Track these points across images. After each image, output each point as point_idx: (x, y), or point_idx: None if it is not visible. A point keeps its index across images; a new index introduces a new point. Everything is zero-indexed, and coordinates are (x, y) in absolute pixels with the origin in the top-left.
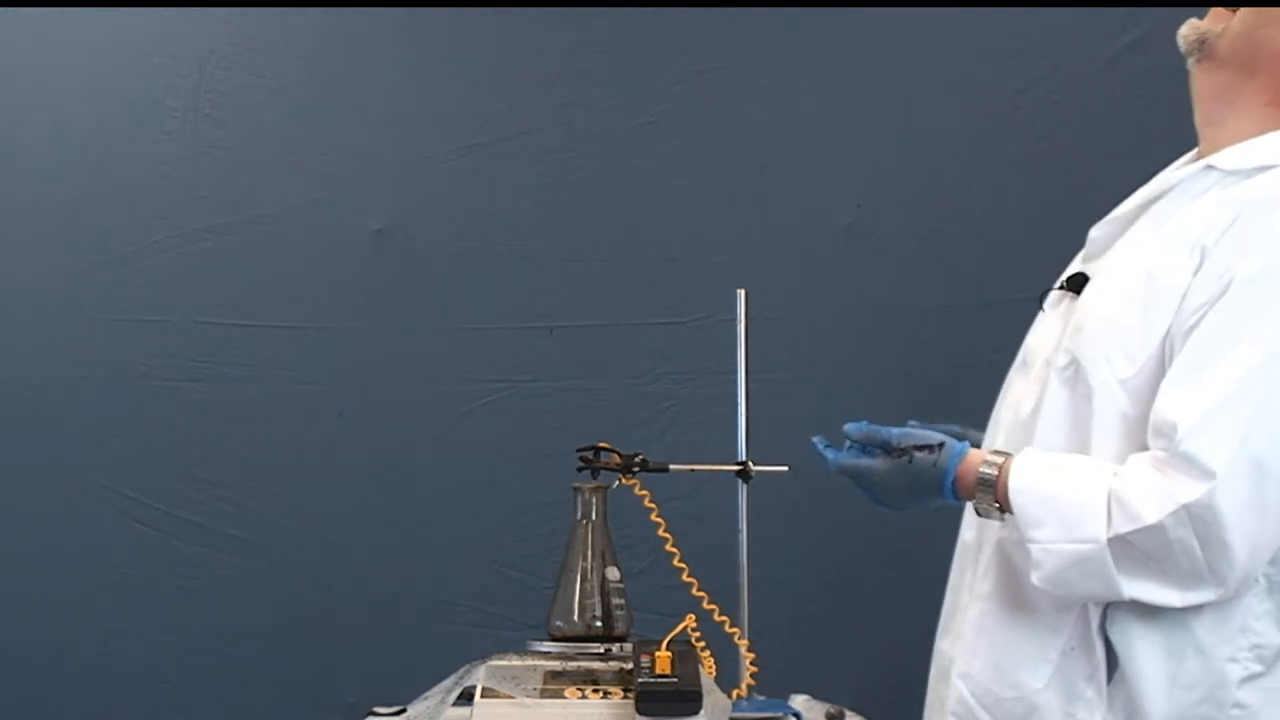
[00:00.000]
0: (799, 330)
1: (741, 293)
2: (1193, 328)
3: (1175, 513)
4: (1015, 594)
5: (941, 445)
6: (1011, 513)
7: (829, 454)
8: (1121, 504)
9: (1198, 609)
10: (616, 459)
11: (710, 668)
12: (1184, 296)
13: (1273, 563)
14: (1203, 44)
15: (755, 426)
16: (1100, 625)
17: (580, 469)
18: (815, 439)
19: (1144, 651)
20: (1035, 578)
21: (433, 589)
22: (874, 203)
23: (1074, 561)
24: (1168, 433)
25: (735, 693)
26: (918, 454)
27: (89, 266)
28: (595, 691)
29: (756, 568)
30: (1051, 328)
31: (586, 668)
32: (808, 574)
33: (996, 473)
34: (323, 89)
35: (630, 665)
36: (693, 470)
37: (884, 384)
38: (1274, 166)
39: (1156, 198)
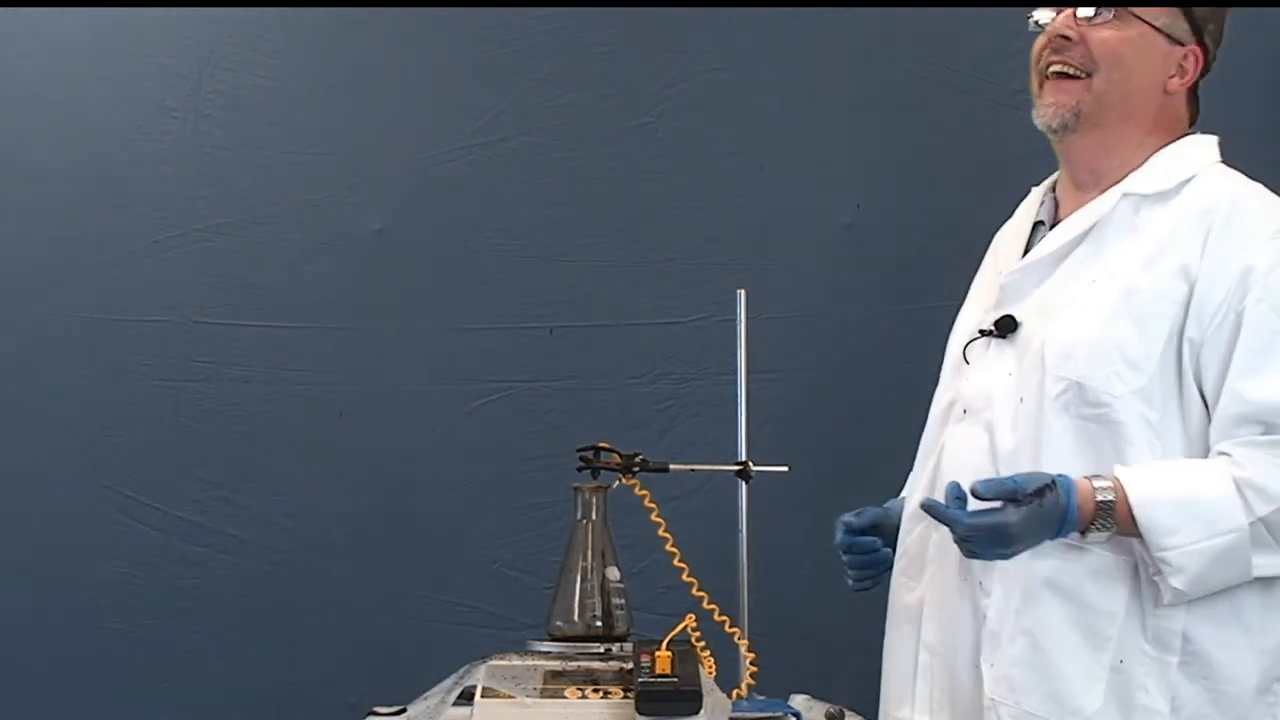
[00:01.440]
0: (799, 330)
1: (741, 293)
2: (1233, 324)
3: None
4: (1058, 623)
5: (1054, 483)
6: (1134, 527)
7: (958, 516)
8: (1255, 489)
9: (1251, 588)
10: (616, 459)
11: (710, 668)
12: (1187, 305)
13: None
14: (1078, 115)
15: (755, 426)
16: (1157, 632)
17: (580, 469)
18: (928, 502)
19: (1224, 638)
20: (1178, 582)
21: (433, 589)
22: (874, 203)
23: (1218, 555)
24: (1269, 415)
25: (735, 692)
26: (1045, 497)
27: (89, 266)
28: (595, 691)
29: (756, 568)
30: (994, 370)
31: (586, 668)
32: (808, 574)
33: (1114, 495)
34: (323, 89)
35: (630, 665)
36: (693, 470)
37: (884, 384)
38: (1196, 175)
39: (1083, 236)
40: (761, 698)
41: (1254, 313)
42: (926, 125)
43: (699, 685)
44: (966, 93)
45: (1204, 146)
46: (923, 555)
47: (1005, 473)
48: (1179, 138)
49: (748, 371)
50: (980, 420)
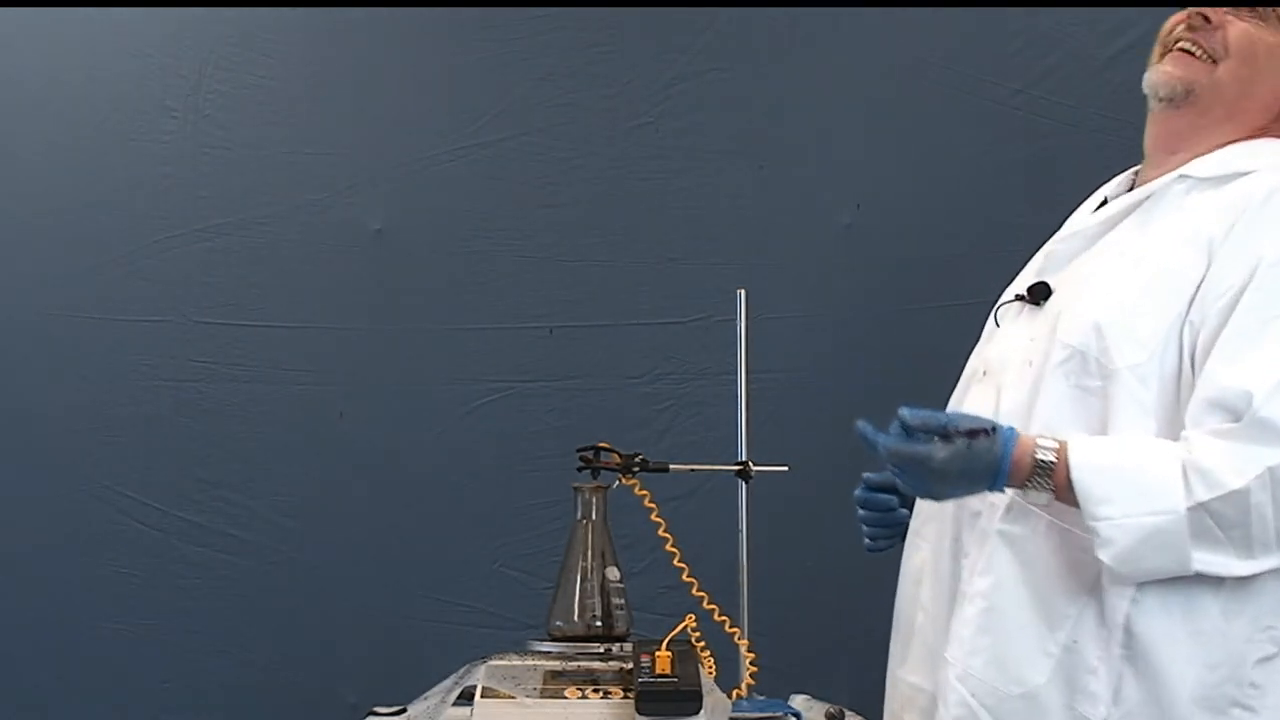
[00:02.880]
0: (799, 330)
1: (741, 293)
2: (1227, 307)
3: (1259, 476)
4: (1015, 589)
5: (995, 429)
6: (1071, 494)
7: (880, 439)
8: (1201, 472)
9: (1217, 592)
10: (616, 459)
11: (710, 668)
12: (1199, 286)
13: None
14: (1189, 94)
15: (755, 426)
16: (1108, 616)
17: (580, 469)
18: (861, 424)
19: (1169, 635)
20: (1105, 556)
21: (433, 589)
22: (874, 203)
23: (1149, 534)
24: (1238, 402)
25: (735, 692)
26: (976, 439)
27: (89, 267)
28: (595, 691)
29: (756, 568)
30: (1017, 335)
31: (586, 667)
32: (808, 574)
33: (1055, 456)
34: (323, 89)
35: (630, 665)
36: (693, 470)
37: (884, 384)
38: (1251, 172)
39: (1131, 210)
40: (761, 698)
41: (1248, 299)
42: (927, 125)
43: (699, 685)
44: (967, 93)
45: (1272, 147)
46: (930, 517)
47: None
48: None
49: (748, 371)
50: (993, 383)
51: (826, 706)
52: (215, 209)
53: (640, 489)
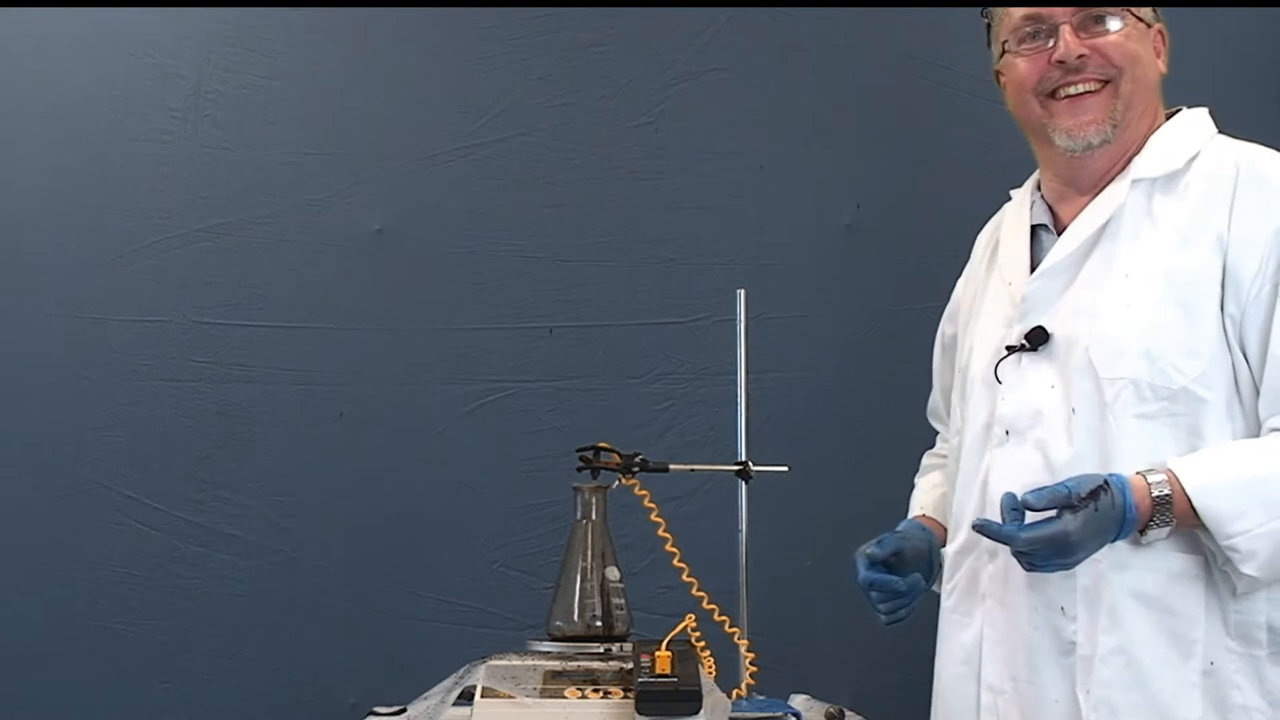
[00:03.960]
0: (799, 330)
1: (741, 293)
2: (1268, 290)
3: None
4: (1146, 636)
5: (1107, 484)
6: (1195, 518)
7: (1012, 532)
8: None
9: None
10: (616, 459)
11: (710, 668)
12: (1222, 280)
13: None
14: (1116, 125)
15: (755, 426)
16: (1243, 624)
17: (580, 469)
18: (981, 522)
19: None
20: (1250, 568)
21: (433, 589)
22: (874, 203)
23: None
24: None
25: (735, 692)
26: (1099, 499)
27: (89, 266)
28: (595, 691)
29: (756, 567)
30: (1033, 387)
31: (586, 667)
32: (808, 574)
33: (1169, 488)
34: (323, 90)
35: (630, 665)
36: (692, 470)
37: (884, 384)
38: (1201, 150)
39: (1099, 234)
40: (761, 698)
41: None
42: (926, 125)
43: (699, 685)
44: (967, 93)
45: (1199, 120)
46: (975, 590)
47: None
48: (1168, 117)
49: (747, 371)
50: (1028, 440)
51: (826, 707)
52: (216, 209)
53: (640, 489)
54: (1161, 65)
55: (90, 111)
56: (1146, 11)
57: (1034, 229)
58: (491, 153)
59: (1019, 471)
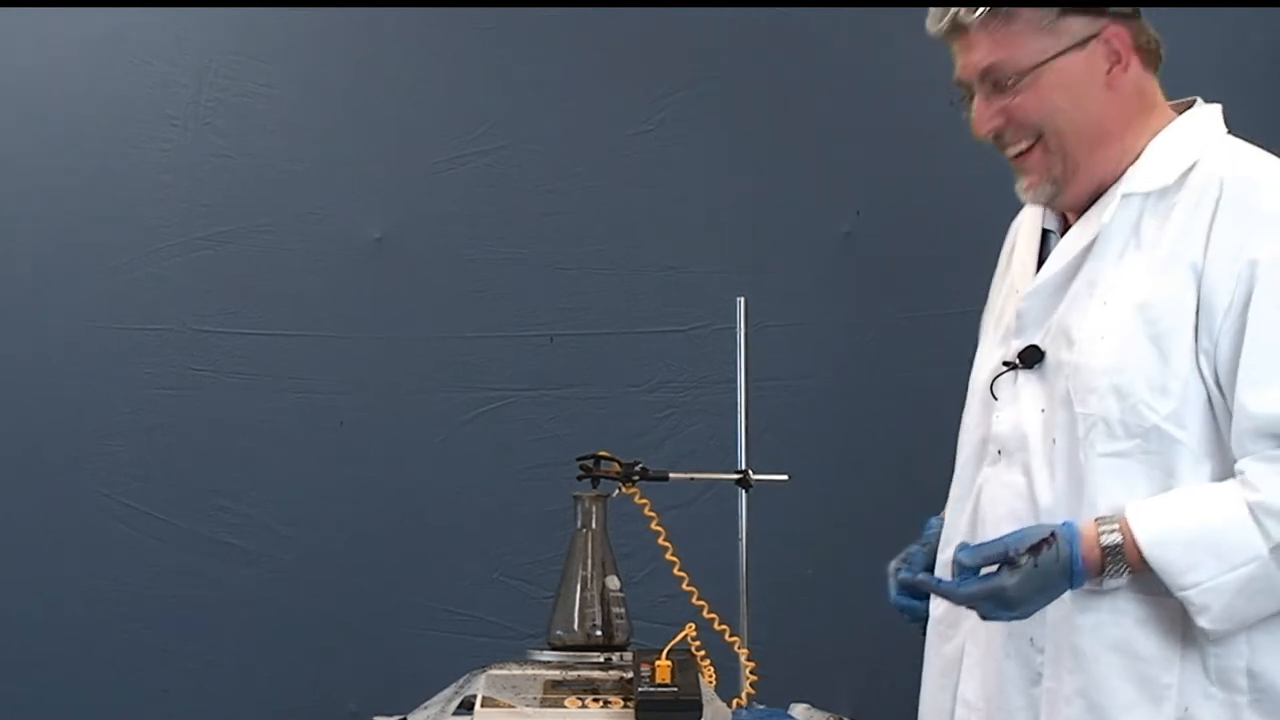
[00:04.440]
0: (799, 338)
1: (741, 300)
2: (1237, 325)
3: None
4: (1110, 679)
5: (1054, 536)
6: (1147, 568)
7: (949, 589)
8: (1270, 512)
9: None
10: (616, 467)
11: (710, 677)
12: (1196, 311)
13: None
14: (1056, 181)
15: (755, 434)
16: (1222, 669)
17: (580, 477)
18: (923, 578)
19: None
20: (1204, 621)
21: (433, 598)
22: (873, 210)
23: (1241, 587)
24: (1277, 429)
25: (735, 701)
26: (1041, 553)
27: (90, 275)
28: (595, 701)
29: (757, 576)
30: (1026, 407)
31: (586, 677)
32: (808, 583)
33: (1121, 537)
34: (323, 97)
35: (630, 674)
36: (692, 479)
37: (884, 391)
38: (1196, 163)
39: (1085, 253)
40: (762, 707)
41: (1257, 312)
42: (925, 130)
43: (699, 694)
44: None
45: (1204, 122)
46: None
47: (1046, 520)
48: (1177, 114)
49: (747, 379)
50: (1017, 463)
51: (827, 716)
52: (216, 218)
53: (640, 498)
54: (1120, 72)
55: (91, 118)
56: (1068, 30)
57: (1046, 233)
58: (491, 160)
59: (1005, 495)
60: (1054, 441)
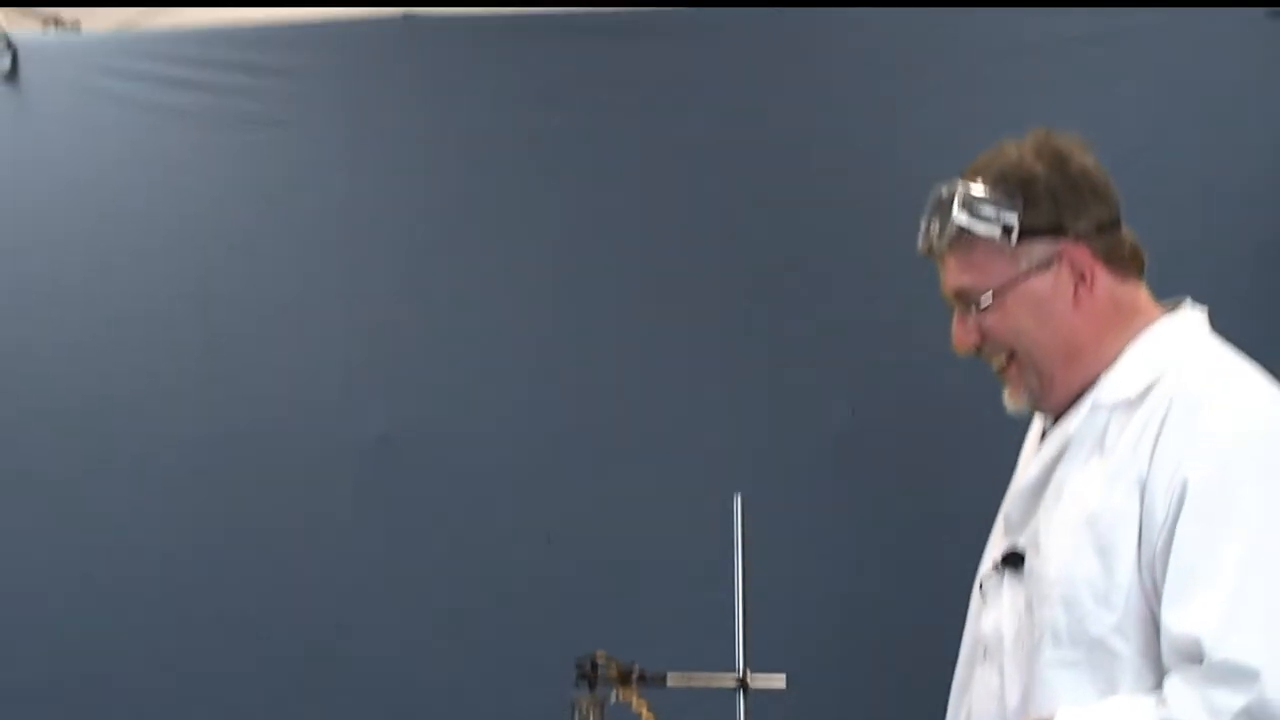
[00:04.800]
0: (797, 536)
1: (738, 497)
2: (1166, 545)
3: None
4: None
5: None
6: None
7: None
8: None
9: None
10: (614, 670)
11: None
12: (1140, 523)
13: None
14: (1034, 392)
15: (754, 633)
16: None
17: (577, 683)
18: None
19: None
20: None
21: None
22: (868, 407)
23: None
24: (1192, 650)
25: None
26: None
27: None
28: None
29: None
30: (1006, 608)
31: None
32: None
33: None
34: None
35: None
36: (690, 686)
37: (890, 593)
38: (1158, 381)
39: (1056, 460)
40: None
41: (1182, 532)
42: (922, 321)
43: None
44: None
45: (1178, 333)
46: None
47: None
48: (1162, 315)
49: (745, 579)
50: (994, 664)
51: None
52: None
53: (639, 699)
54: (1086, 293)
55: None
56: (1034, 252)
57: (1045, 432)
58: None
59: (985, 698)
60: (1021, 645)
